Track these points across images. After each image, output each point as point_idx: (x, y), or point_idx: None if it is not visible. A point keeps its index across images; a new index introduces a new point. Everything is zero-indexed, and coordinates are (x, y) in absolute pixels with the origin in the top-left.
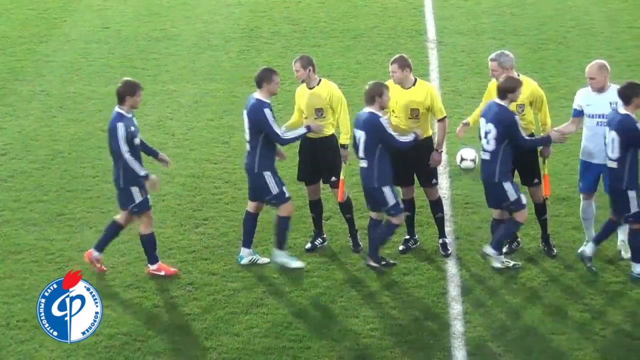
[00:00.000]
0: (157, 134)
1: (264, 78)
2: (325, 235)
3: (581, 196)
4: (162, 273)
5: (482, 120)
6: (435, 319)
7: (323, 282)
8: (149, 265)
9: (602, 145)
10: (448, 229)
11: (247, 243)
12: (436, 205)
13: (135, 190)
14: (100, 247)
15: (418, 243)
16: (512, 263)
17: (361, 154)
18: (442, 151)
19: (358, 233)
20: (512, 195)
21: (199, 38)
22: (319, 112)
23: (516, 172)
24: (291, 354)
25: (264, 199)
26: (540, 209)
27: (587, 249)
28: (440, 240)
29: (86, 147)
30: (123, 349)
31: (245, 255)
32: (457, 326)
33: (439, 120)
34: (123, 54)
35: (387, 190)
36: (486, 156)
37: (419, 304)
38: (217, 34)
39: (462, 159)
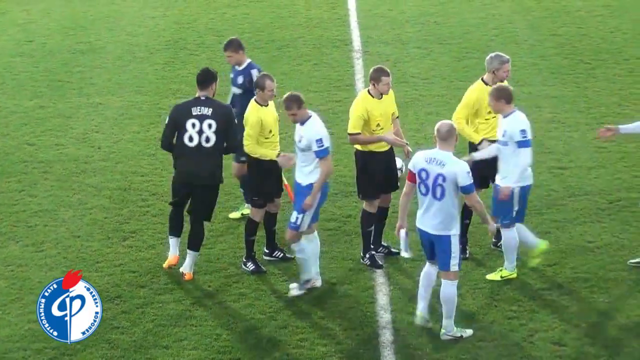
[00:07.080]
0: (83, 147)
1: None
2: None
3: None
4: None
5: None
6: (364, 328)
7: (251, 292)
8: None
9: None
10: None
11: None
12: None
13: None
14: None
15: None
16: None
17: None
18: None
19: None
20: None
21: (123, 50)
22: None
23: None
24: None
25: None
26: None
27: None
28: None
29: (12, 161)
30: None
31: None
32: (387, 335)
33: (397, 118)
34: (48, 67)
35: None
36: None
37: (347, 314)
38: (142, 46)
39: None
